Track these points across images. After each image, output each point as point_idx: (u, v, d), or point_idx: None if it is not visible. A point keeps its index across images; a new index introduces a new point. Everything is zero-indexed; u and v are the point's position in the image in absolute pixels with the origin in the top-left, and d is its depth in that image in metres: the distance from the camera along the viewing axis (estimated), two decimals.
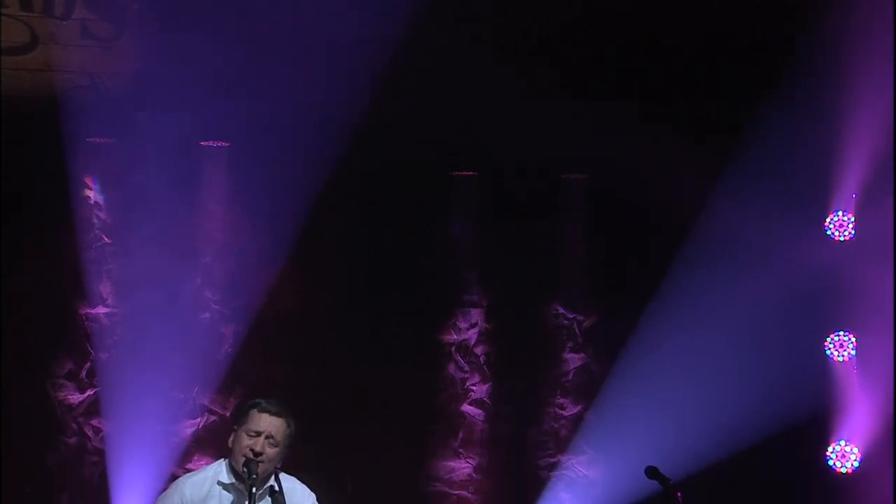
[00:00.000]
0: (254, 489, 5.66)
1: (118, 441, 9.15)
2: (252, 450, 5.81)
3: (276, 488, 5.91)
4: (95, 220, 9.44)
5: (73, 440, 9.35)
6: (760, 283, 9.25)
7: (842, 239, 9.50)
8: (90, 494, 9.24)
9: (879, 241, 9.07)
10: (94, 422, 9.36)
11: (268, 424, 5.87)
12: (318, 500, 6.09)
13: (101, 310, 9.45)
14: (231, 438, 5.93)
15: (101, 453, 9.29)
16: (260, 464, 5.77)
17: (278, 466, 5.92)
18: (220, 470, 5.98)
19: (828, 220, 9.52)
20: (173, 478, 9.05)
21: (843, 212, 9.50)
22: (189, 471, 9.04)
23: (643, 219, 9.63)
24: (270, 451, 5.85)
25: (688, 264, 9.33)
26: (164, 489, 8.74)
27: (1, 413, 9.00)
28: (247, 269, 9.61)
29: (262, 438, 5.83)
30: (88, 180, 9.42)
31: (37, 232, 9.31)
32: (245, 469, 5.74)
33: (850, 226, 9.49)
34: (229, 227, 9.61)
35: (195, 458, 9.37)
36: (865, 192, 9.31)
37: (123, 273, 9.44)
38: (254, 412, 5.90)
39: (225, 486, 5.92)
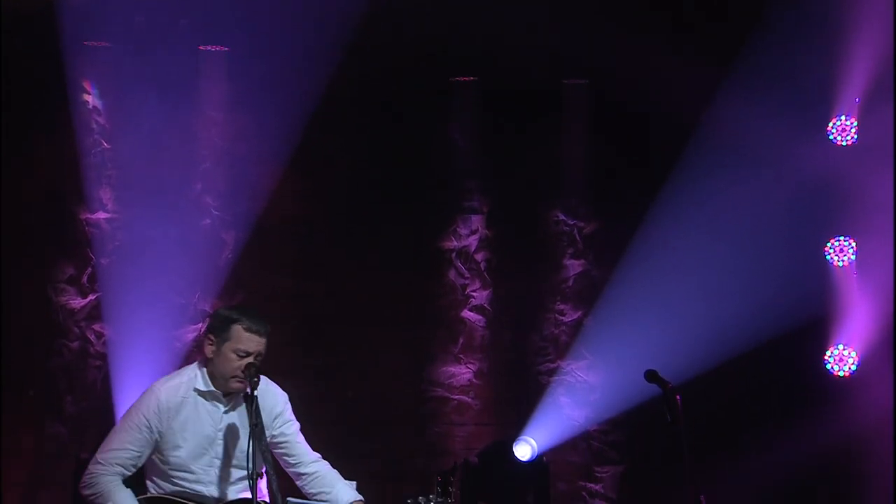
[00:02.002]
0: (255, 380, 5.71)
1: (120, 345, 9.19)
2: (244, 371, 5.82)
3: (249, 392, 5.93)
4: (94, 126, 9.40)
5: (75, 344, 9.40)
6: (762, 188, 9.24)
7: (844, 144, 9.45)
8: (93, 397, 9.31)
9: (881, 146, 9.03)
10: (96, 326, 9.40)
11: (256, 345, 5.87)
12: (289, 400, 6.13)
13: (101, 215, 9.44)
14: (211, 349, 5.91)
15: (103, 357, 9.33)
16: (246, 381, 5.81)
17: None
18: (194, 376, 5.98)
19: (830, 124, 9.47)
20: None
21: (845, 116, 9.44)
22: None
23: (644, 124, 9.60)
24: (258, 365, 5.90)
25: (689, 169, 9.30)
26: None
27: (2, 317, 9.03)
28: (247, 175, 9.59)
29: (251, 358, 5.84)
30: (87, 84, 9.37)
31: (36, 137, 9.27)
32: (245, 380, 5.76)
33: (853, 130, 9.43)
34: (229, 133, 9.57)
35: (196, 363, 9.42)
36: (868, 96, 9.25)
37: (123, 179, 9.42)
38: (239, 330, 5.85)
39: (202, 393, 5.94)
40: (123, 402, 9.02)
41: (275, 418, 5.99)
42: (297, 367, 9.54)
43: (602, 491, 9.82)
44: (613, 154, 9.85)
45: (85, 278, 9.43)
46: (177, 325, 9.45)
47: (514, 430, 9.47)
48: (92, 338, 9.41)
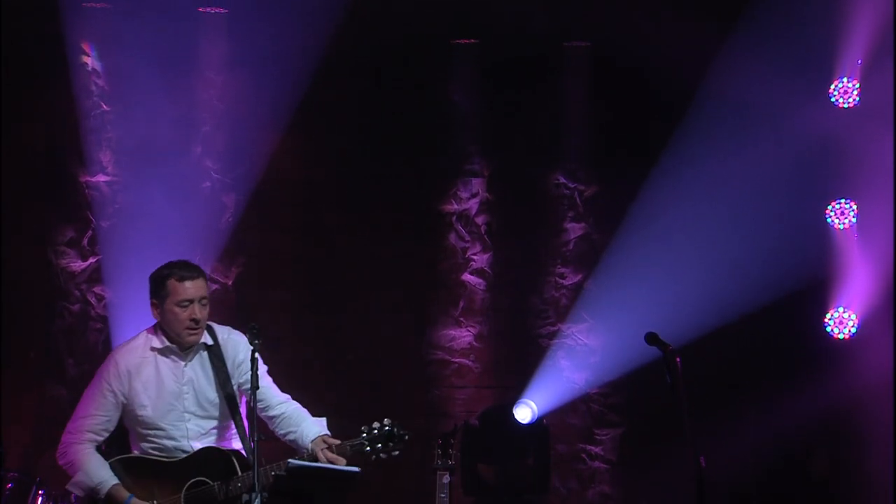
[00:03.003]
0: (257, 342, 5.72)
1: (121, 308, 9.20)
2: (193, 319, 5.86)
3: (210, 342, 5.97)
4: (94, 88, 9.37)
5: (76, 307, 9.41)
6: (763, 150, 9.20)
7: (846, 106, 9.41)
8: (94, 360, 9.30)
9: (883, 108, 8.99)
10: (97, 289, 9.41)
11: (194, 290, 5.92)
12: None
13: (101, 178, 9.44)
14: (157, 312, 5.96)
15: (104, 320, 9.35)
16: (200, 330, 5.85)
17: None
18: (150, 338, 6.05)
19: (832, 86, 9.43)
20: None
21: (847, 78, 9.39)
22: None
23: (645, 87, 9.55)
24: (205, 312, 5.94)
25: (690, 132, 9.27)
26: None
27: (2, 279, 9.04)
28: (246, 137, 9.57)
29: (195, 304, 5.87)
30: (86, 46, 9.33)
31: (35, 99, 9.25)
32: (252, 332, 5.77)
33: (855, 92, 9.39)
34: (228, 95, 9.54)
35: None
36: (870, 58, 9.20)
37: (123, 141, 9.40)
38: (173, 283, 5.92)
39: (160, 351, 5.99)
40: None
41: (238, 365, 6.03)
42: (298, 329, 9.55)
43: (602, 453, 9.85)
44: (614, 117, 9.82)
45: (85, 241, 9.44)
46: None
47: (515, 392, 9.48)
48: (93, 300, 9.42)
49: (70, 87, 9.24)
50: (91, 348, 9.34)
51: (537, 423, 9.30)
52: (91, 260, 9.43)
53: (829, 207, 9.49)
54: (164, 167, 9.39)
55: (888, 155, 8.93)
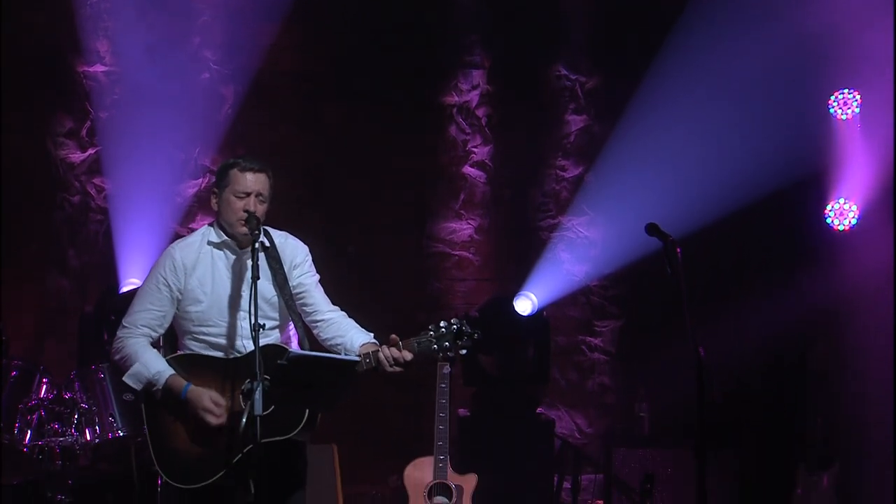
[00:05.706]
0: (256, 245, 5.69)
1: (121, 200, 9.21)
2: (246, 210, 5.82)
3: (267, 244, 5.94)
4: None
5: (76, 199, 9.41)
6: (765, 40, 9.09)
7: None
8: (95, 251, 9.35)
9: None
10: (97, 180, 9.41)
11: (253, 183, 5.85)
12: (309, 252, 6.12)
13: (98, 68, 9.37)
14: (215, 201, 5.92)
15: (104, 212, 9.36)
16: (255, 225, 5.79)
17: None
18: (207, 232, 5.98)
19: None
20: (176, 235, 9.18)
21: None
22: (191, 229, 9.16)
23: None
24: (261, 208, 5.87)
25: (691, 23, 9.17)
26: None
27: (2, 170, 9.02)
28: (246, 28, 9.49)
29: (252, 198, 5.83)
30: None
31: None
32: (247, 226, 5.75)
33: None
34: None
35: (198, 217, 9.45)
36: None
37: (120, 31, 9.32)
38: (235, 172, 5.86)
39: (216, 245, 5.95)
40: (125, 255, 9.08)
41: (294, 268, 5.99)
42: (298, 222, 9.48)
43: (601, 345, 9.92)
44: (616, 7, 9.72)
45: (84, 132, 9.41)
46: (177, 179, 9.47)
47: (515, 285, 9.51)
48: (92, 192, 9.42)
49: None
50: (92, 239, 9.36)
51: (537, 315, 9.33)
52: (90, 151, 9.40)
53: (832, 97, 9.40)
54: (162, 58, 9.32)
55: (892, 44, 8.82)
